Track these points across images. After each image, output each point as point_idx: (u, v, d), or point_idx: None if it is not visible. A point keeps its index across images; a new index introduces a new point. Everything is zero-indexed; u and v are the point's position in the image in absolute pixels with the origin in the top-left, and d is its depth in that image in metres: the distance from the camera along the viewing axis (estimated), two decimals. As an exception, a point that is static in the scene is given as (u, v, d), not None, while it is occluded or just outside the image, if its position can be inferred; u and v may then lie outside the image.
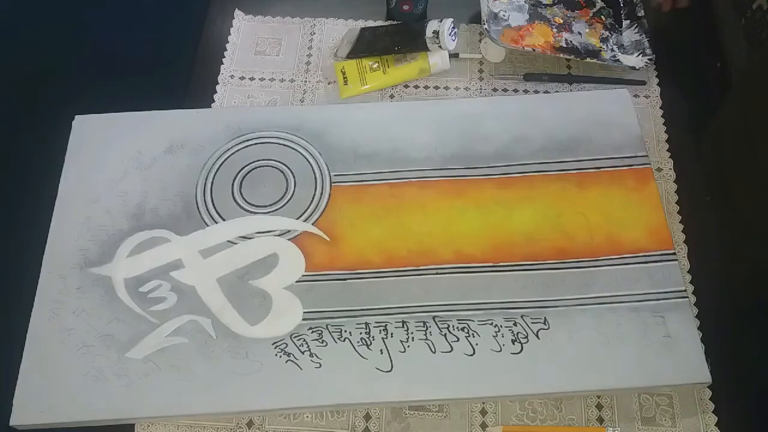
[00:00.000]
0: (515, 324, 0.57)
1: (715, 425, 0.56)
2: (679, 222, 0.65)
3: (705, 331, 0.58)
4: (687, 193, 0.67)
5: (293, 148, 0.66)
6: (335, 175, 0.64)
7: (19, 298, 0.59)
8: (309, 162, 0.65)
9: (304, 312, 0.58)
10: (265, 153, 0.66)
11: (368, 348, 0.56)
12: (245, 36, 0.77)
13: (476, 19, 0.76)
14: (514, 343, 0.56)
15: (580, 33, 0.75)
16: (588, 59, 0.73)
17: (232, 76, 0.74)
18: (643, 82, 0.73)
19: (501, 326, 0.57)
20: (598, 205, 0.62)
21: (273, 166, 0.65)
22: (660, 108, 0.72)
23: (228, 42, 0.76)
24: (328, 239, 0.61)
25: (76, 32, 1.28)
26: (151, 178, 0.64)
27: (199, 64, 0.75)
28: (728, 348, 0.58)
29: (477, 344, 0.56)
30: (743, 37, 0.68)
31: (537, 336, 0.57)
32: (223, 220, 0.62)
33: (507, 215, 0.62)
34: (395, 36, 0.73)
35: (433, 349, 0.56)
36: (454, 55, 0.74)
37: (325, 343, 0.56)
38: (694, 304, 0.60)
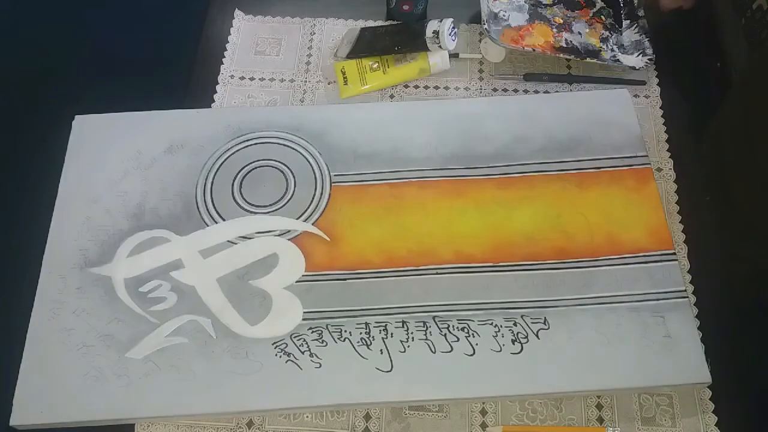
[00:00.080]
0: (515, 324, 0.57)
1: (715, 425, 0.56)
2: (679, 222, 0.65)
3: (705, 331, 0.58)
4: (687, 193, 0.67)
5: (293, 148, 0.66)
6: (335, 175, 0.64)
7: (19, 298, 0.59)
8: (309, 162, 0.65)
9: (304, 312, 0.58)
10: (265, 153, 0.66)
11: (368, 348, 0.56)
12: (245, 36, 0.77)
13: (476, 19, 0.76)
14: (514, 343, 0.56)
15: (580, 33, 0.75)
16: (588, 59, 0.73)
17: (232, 76, 0.74)
18: (643, 82, 0.73)
19: (501, 326, 0.57)
20: (598, 205, 0.62)
21: (273, 166, 0.65)
22: (660, 108, 0.72)
23: (228, 42, 0.76)
24: (328, 239, 0.61)
25: (76, 32, 1.28)
26: (151, 178, 0.64)
27: (199, 64, 0.75)
28: (728, 348, 0.58)
29: (477, 344, 0.56)
30: (743, 37, 0.68)
31: (537, 336, 0.57)
32: (223, 220, 0.62)
33: (507, 215, 0.62)
34: (395, 36, 0.73)
35: (433, 349, 0.56)
36: (454, 55, 0.74)
37: (325, 343, 0.56)
38: (694, 304, 0.60)
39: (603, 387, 0.55)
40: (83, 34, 1.27)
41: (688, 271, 0.62)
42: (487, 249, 0.60)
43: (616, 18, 0.78)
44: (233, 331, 0.57)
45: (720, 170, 0.66)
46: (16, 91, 1.18)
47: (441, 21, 0.71)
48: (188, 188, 0.64)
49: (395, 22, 0.77)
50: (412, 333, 0.57)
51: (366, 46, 0.74)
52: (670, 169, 0.68)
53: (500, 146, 0.66)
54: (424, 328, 0.57)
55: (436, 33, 0.70)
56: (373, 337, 0.57)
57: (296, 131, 0.67)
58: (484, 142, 0.66)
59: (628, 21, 0.77)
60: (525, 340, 0.56)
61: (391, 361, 0.56)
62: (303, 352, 0.56)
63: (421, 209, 0.63)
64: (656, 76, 0.74)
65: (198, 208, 0.63)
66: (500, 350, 0.56)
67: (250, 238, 0.61)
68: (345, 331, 0.57)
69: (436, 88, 0.74)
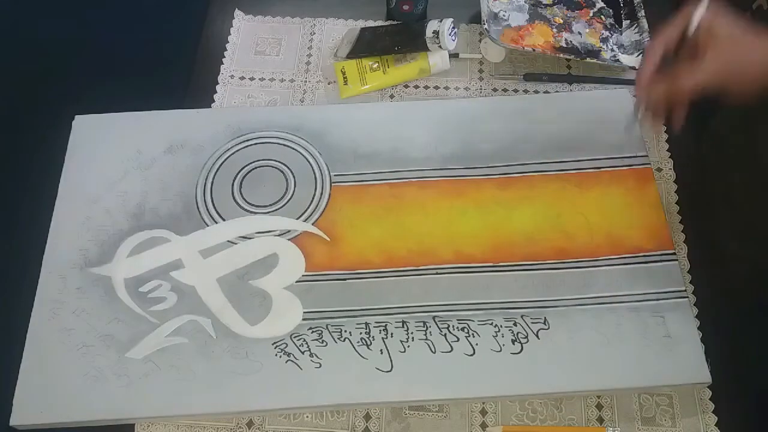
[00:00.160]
0: (515, 324, 0.57)
1: (715, 425, 0.56)
2: (679, 222, 0.65)
3: (705, 331, 0.58)
4: (687, 193, 0.67)
5: (293, 148, 0.66)
6: (335, 175, 0.64)
7: (19, 298, 0.59)
8: (309, 162, 0.65)
9: (304, 312, 0.58)
10: (265, 153, 0.66)
11: (368, 348, 0.56)
12: (245, 36, 0.77)
13: (476, 19, 0.76)
14: (514, 343, 0.56)
15: (580, 33, 0.75)
16: (588, 59, 0.73)
17: (232, 76, 0.74)
18: (643, 82, 0.73)
19: (501, 326, 0.57)
20: (598, 205, 0.62)
21: (273, 166, 0.65)
22: (660, 108, 0.72)
23: (228, 42, 0.76)
24: (328, 239, 0.61)
25: (76, 32, 1.28)
26: (151, 178, 0.64)
27: (199, 64, 0.75)
28: (728, 348, 0.58)
29: (477, 344, 0.56)
30: (743, 37, 0.68)
31: (537, 336, 0.57)
32: (223, 220, 0.62)
33: (507, 215, 0.62)
34: (395, 36, 0.73)
35: (433, 349, 0.56)
36: (454, 55, 0.74)
37: (325, 343, 0.56)
38: (694, 304, 0.60)
39: (603, 387, 0.55)
40: (83, 34, 1.27)
41: (688, 271, 0.62)
42: (487, 249, 0.60)
43: (616, 18, 0.78)
44: (233, 331, 0.57)
45: (720, 170, 0.66)
46: (16, 91, 1.18)
47: (441, 21, 0.71)
48: (188, 188, 0.64)
49: (395, 22, 0.77)
50: (412, 333, 0.57)
51: (366, 46, 0.74)
52: (670, 169, 0.68)
53: (500, 146, 0.66)
54: (424, 328, 0.57)
55: (436, 33, 0.70)
56: (373, 337, 0.57)
57: (296, 131, 0.67)
58: (484, 142, 0.66)
59: (628, 21, 0.77)
60: (525, 340, 0.56)
61: (391, 361, 0.56)
62: (303, 352, 0.56)
63: (421, 209, 0.63)
64: (656, 76, 0.74)
65: (198, 208, 0.63)
66: (500, 350, 0.56)
67: (250, 238, 0.61)
68: (345, 331, 0.57)
69: (436, 88, 0.74)
